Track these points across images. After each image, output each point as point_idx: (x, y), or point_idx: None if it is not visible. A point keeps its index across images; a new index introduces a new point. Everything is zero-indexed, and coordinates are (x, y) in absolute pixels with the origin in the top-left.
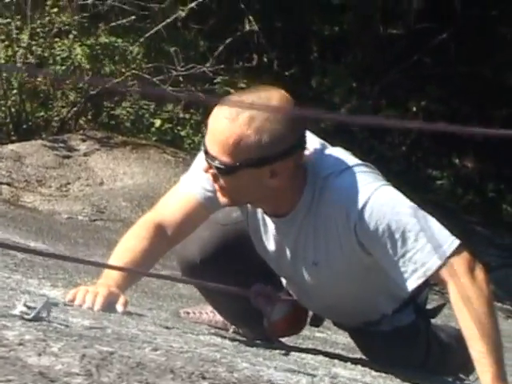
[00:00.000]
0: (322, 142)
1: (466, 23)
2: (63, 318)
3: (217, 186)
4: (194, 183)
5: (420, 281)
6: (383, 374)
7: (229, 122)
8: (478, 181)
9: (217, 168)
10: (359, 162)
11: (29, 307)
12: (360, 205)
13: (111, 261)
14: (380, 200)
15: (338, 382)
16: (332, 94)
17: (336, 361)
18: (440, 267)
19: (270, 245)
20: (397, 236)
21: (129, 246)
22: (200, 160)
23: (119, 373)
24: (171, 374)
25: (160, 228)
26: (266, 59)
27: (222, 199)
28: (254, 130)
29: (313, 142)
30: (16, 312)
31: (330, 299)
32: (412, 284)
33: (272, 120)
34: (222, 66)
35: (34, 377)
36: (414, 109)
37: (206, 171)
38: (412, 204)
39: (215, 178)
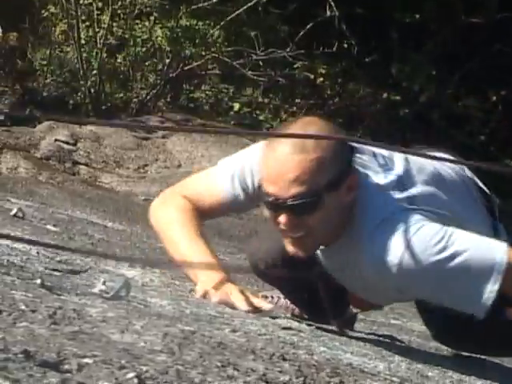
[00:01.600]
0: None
1: None
2: (142, 297)
3: (296, 236)
4: (236, 183)
5: (490, 302)
6: (462, 362)
7: (299, 155)
8: None
9: (301, 206)
10: (403, 203)
11: (108, 286)
12: (396, 268)
13: (176, 239)
14: (413, 258)
15: (414, 368)
16: (411, 82)
17: (412, 347)
18: (501, 285)
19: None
20: (447, 278)
21: (181, 219)
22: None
23: (201, 352)
24: (252, 355)
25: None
26: (345, 45)
27: (304, 249)
28: (323, 150)
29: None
30: (96, 290)
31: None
32: (485, 306)
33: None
34: (302, 51)
35: (119, 353)
36: (494, 98)
37: (286, 224)
38: (446, 234)
39: (297, 227)
